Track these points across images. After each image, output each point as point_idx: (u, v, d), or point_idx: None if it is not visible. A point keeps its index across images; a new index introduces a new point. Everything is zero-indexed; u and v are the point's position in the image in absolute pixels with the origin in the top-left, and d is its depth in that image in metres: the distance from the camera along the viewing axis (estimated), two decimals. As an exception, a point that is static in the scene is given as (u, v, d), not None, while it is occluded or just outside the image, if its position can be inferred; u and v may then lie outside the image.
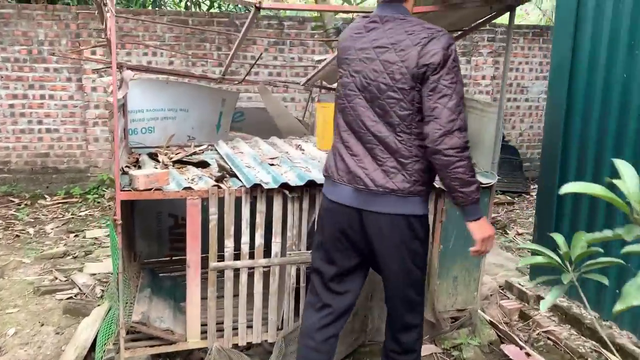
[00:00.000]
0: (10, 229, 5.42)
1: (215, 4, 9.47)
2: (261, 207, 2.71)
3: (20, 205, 6.30)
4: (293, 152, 3.42)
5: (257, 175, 2.79)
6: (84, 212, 6.06)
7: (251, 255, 2.76)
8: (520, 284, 3.75)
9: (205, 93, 3.86)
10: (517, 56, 7.89)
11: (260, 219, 2.73)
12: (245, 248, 2.74)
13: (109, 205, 6.35)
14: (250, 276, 2.79)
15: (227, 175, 2.86)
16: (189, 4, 9.60)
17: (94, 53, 6.55)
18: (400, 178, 2.09)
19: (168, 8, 9.84)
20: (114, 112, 2.38)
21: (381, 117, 2.09)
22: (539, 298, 3.54)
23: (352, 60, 2.14)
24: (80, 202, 6.44)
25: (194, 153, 3.49)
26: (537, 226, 3.65)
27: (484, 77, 7.76)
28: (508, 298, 3.75)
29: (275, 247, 2.77)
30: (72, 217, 5.87)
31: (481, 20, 3.11)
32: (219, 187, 2.65)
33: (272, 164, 3.05)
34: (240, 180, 2.74)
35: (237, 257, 2.74)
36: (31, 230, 5.37)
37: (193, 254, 2.65)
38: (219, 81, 3.84)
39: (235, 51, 3.09)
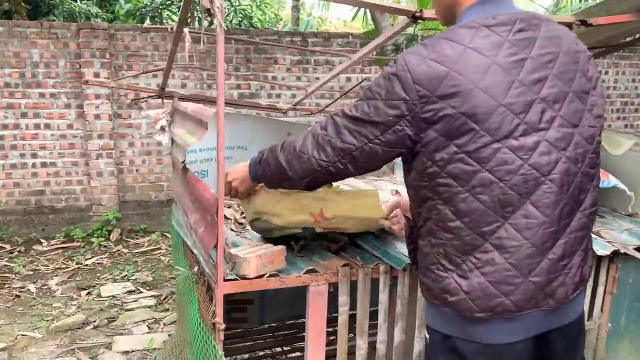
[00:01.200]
0: (7, 286, 4.54)
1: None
2: (403, 290, 1.98)
3: (13, 253, 5.41)
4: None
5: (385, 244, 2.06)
6: (90, 260, 5.21)
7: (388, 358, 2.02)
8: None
9: (270, 126, 3.11)
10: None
11: (401, 308, 1.99)
12: (382, 348, 1.99)
13: (118, 251, 5.50)
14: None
15: (345, 245, 2.12)
16: (189, 20, 8.85)
17: (96, 76, 5.75)
18: (590, 257, 1.48)
19: (170, 23, 9.06)
20: (218, 166, 1.62)
21: (593, 180, 1.42)
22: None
23: (527, 105, 1.28)
24: (84, 247, 5.57)
25: (268, 205, 2.75)
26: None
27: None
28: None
29: (419, 345, 2.03)
30: (78, 268, 5.01)
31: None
32: (351, 267, 1.91)
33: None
34: (373, 254, 2.01)
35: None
36: (32, 288, 4.51)
37: (316, 359, 1.89)
38: (284, 112, 3.11)
39: (339, 72, 2.37)
